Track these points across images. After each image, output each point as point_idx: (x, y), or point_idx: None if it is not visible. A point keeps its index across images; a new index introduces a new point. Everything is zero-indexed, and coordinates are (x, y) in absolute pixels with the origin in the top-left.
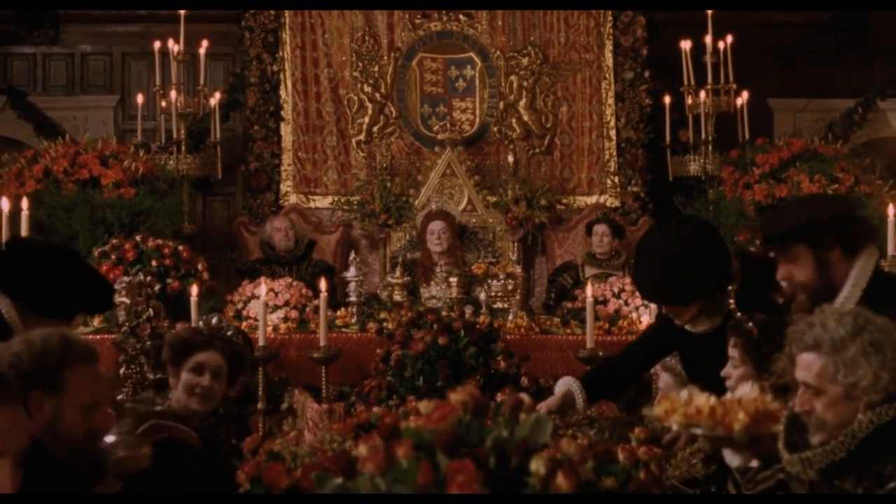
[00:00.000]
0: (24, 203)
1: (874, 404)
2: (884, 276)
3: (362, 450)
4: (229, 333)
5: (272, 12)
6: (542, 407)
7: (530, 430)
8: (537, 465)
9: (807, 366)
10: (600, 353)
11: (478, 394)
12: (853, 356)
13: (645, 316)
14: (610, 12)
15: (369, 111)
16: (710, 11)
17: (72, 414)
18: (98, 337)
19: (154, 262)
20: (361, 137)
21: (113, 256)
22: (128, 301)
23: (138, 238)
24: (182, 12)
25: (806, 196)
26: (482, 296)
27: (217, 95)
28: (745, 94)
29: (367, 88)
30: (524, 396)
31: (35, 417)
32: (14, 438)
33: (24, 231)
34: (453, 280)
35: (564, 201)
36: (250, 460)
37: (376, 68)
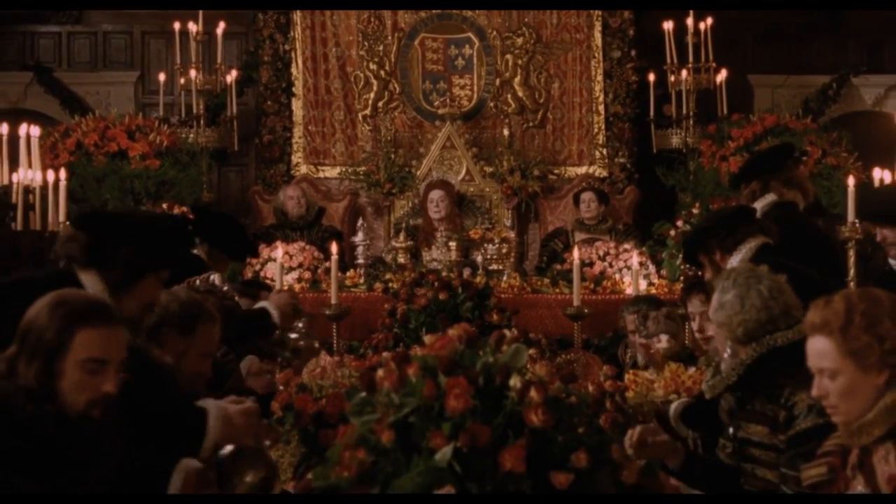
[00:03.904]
0: (63, 174)
1: (733, 345)
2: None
3: (380, 372)
4: (225, 289)
5: None
6: None
7: (510, 357)
8: (515, 381)
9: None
10: (585, 311)
11: (471, 329)
12: (724, 301)
13: (627, 277)
14: None
15: (374, 87)
16: None
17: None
18: None
19: None
20: (367, 112)
21: None
22: None
23: (164, 206)
24: None
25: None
26: (479, 258)
27: (233, 73)
28: (723, 72)
29: (372, 66)
30: (506, 331)
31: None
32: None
33: (62, 199)
34: (452, 244)
35: (556, 172)
36: (283, 391)
37: (381, 47)
